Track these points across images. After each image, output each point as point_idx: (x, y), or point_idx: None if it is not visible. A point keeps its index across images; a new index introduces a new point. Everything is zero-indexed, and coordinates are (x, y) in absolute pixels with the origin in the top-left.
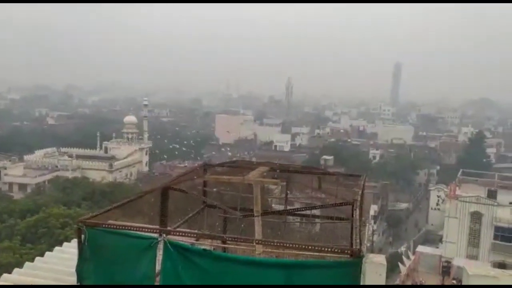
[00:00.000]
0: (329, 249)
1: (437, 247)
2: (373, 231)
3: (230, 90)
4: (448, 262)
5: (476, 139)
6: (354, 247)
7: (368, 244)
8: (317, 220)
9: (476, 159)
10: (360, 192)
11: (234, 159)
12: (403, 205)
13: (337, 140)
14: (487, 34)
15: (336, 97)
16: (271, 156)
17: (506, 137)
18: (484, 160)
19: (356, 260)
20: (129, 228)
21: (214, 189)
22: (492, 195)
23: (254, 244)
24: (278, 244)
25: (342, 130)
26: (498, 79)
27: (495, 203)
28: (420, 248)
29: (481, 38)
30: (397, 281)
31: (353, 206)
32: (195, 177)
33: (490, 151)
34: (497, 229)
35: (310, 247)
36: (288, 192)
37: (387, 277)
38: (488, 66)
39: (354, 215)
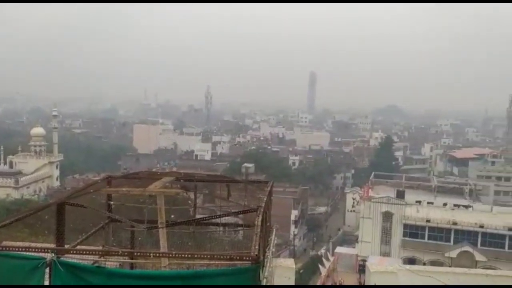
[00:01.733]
0: (229, 257)
1: (354, 247)
2: (294, 235)
3: (148, 99)
4: (364, 260)
5: (386, 144)
6: (253, 253)
7: (274, 250)
8: (223, 228)
9: (386, 162)
10: (265, 199)
11: (154, 169)
12: (322, 209)
13: (257, 148)
14: (394, 46)
15: (256, 106)
16: (192, 166)
17: (411, 140)
18: (393, 162)
19: (254, 266)
20: (15, 249)
21: (120, 203)
22: (400, 195)
23: (152, 256)
24: (176, 255)
25: (262, 138)
26: (403, 88)
27: (404, 203)
28: (339, 249)
29: (388, 50)
30: (318, 282)
31: (257, 212)
32: (91, 190)
33: (398, 154)
34: (406, 226)
35: (207, 256)
36: (197, 200)
37: (309, 280)
38: (395, 75)
39: (257, 222)
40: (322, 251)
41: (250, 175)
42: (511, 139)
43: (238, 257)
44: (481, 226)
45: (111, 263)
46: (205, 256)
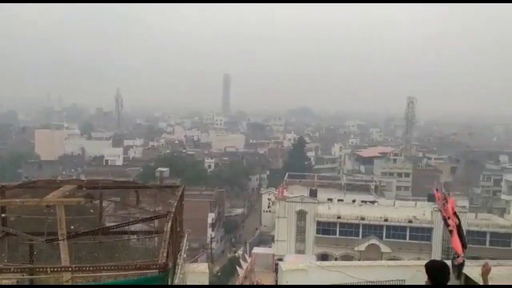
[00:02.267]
0: (135, 266)
1: (270, 247)
2: (212, 238)
3: (52, 102)
4: (280, 259)
5: (298, 144)
6: (160, 261)
7: (186, 255)
8: (133, 236)
9: (299, 162)
10: (175, 204)
11: (59, 177)
12: (239, 210)
13: (172, 151)
14: (303, 48)
15: (170, 108)
16: (102, 172)
17: (322, 141)
18: (306, 162)
19: (162, 274)
20: None
21: (17, 215)
22: (313, 194)
23: (49, 271)
24: (77, 268)
25: (177, 141)
26: (314, 90)
27: (316, 201)
28: (256, 250)
29: (297, 52)
30: (235, 283)
31: (166, 218)
32: None
33: (310, 154)
34: (319, 224)
35: (112, 267)
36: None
37: (227, 282)
38: (306, 77)
39: (165, 228)
40: (240, 252)
41: (165, 180)
42: (410, 138)
43: (145, 266)
44: (386, 220)
45: (7, 281)
46: (110, 267)
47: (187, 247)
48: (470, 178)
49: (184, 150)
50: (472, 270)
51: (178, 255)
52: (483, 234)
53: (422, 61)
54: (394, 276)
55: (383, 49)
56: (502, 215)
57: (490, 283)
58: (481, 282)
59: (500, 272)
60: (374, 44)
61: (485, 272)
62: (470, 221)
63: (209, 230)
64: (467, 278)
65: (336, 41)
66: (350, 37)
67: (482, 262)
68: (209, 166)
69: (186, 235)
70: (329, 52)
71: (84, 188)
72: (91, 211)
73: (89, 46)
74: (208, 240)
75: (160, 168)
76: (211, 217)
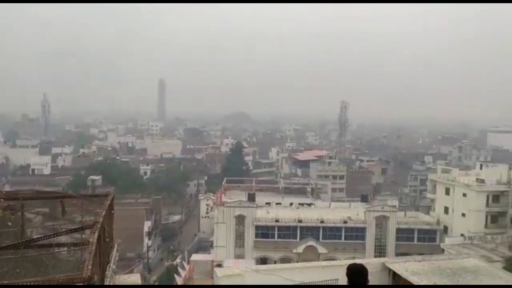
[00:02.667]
0: (58, 281)
1: (210, 253)
2: (148, 247)
3: None
4: (219, 265)
5: (236, 149)
6: (85, 274)
7: (115, 266)
8: (58, 249)
9: (237, 167)
10: (103, 213)
11: None
12: (176, 217)
13: (105, 159)
14: (239, 55)
15: (102, 114)
16: (28, 181)
17: (259, 145)
18: (244, 167)
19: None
20: None
21: None
22: (251, 198)
23: None
24: None
25: (110, 148)
26: (251, 95)
27: (255, 205)
28: (194, 257)
29: (233, 58)
30: None
31: (92, 229)
32: None
33: (248, 159)
34: (257, 228)
35: (31, 284)
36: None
37: None
38: (243, 82)
39: (91, 239)
40: (178, 260)
41: (97, 188)
42: (343, 142)
43: (69, 280)
44: (322, 221)
45: None
46: (29, 284)
47: (117, 258)
48: (399, 179)
49: (118, 157)
50: (400, 267)
51: (108, 267)
52: (412, 231)
53: (354, 66)
54: (328, 276)
55: (317, 56)
56: (428, 213)
57: (416, 278)
58: (408, 278)
59: (424, 267)
60: (307, 52)
61: None
62: (400, 219)
63: (146, 239)
64: (395, 274)
65: (270, 47)
66: (282, 45)
67: (410, 258)
68: (145, 173)
69: (116, 245)
70: (265, 59)
71: (2, 200)
72: (9, 223)
73: (13, 49)
74: (145, 249)
75: (92, 177)
76: (147, 225)
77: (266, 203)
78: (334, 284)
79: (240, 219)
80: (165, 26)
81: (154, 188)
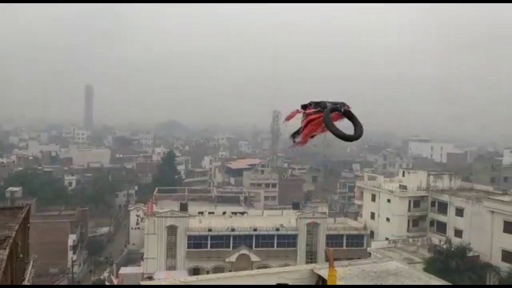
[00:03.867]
0: None
1: (140, 265)
2: (73, 262)
3: None
4: (150, 277)
5: (168, 158)
6: None
7: (31, 283)
8: None
9: (169, 176)
10: (16, 227)
11: None
12: (104, 229)
13: (25, 169)
14: (168, 62)
15: (23, 122)
16: None
17: (192, 154)
18: (176, 176)
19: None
20: None
21: None
22: (184, 207)
23: None
24: None
25: (31, 157)
26: (183, 103)
27: (187, 215)
28: (123, 270)
29: (163, 65)
30: None
31: (4, 245)
32: None
33: (180, 168)
34: (190, 238)
35: None
36: None
37: None
38: (176, 90)
39: (1, 256)
40: (106, 274)
41: (16, 200)
42: (275, 150)
43: None
44: (255, 230)
45: None
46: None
47: (32, 275)
48: (329, 186)
49: (40, 167)
50: (326, 272)
51: (22, 284)
52: (341, 236)
53: (285, 74)
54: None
55: (249, 66)
56: (356, 218)
57: (341, 283)
58: (331, 282)
59: (350, 271)
60: (242, 61)
61: (329, 255)
62: (329, 225)
63: (70, 253)
64: (322, 279)
65: (206, 55)
66: (219, 55)
67: (337, 263)
68: (70, 184)
69: (32, 261)
70: (198, 66)
71: None
72: None
73: None
74: (69, 264)
75: (11, 188)
76: (72, 238)
77: (199, 213)
78: None
79: (172, 230)
80: (96, 31)
81: (80, 199)
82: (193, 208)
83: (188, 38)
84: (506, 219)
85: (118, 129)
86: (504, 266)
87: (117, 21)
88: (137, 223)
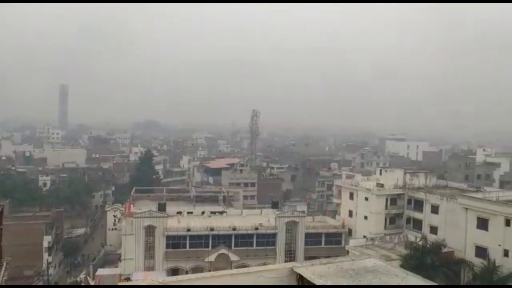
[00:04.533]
0: None
1: (117, 266)
2: (48, 264)
3: None
4: (128, 278)
5: (146, 158)
6: None
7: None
8: None
9: (147, 176)
10: None
11: None
12: (81, 231)
13: None
14: (147, 65)
15: None
16: None
17: (170, 154)
18: (154, 176)
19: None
20: None
21: None
22: (162, 207)
23: None
24: None
25: (4, 158)
26: (161, 102)
27: (165, 215)
28: (100, 271)
29: (143, 67)
30: None
31: None
32: None
33: (158, 167)
34: (168, 238)
35: None
36: None
37: None
38: (153, 90)
39: None
40: (82, 276)
41: None
42: (254, 149)
43: None
44: (234, 229)
45: None
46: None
47: (5, 277)
48: (308, 185)
49: (13, 167)
50: (307, 270)
51: None
52: (319, 235)
53: (265, 74)
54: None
55: (230, 64)
56: (334, 217)
57: (321, 282)
58: (314, 281)
59: (329, 269)
60: (222, 59)
61: None
62: (308, 224)
63: (45, 255)
64: (301, 277)
65: (183, 54)
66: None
67: (316, 261)
68: (45, 184)
69: (5, 263)
70: (176, 65)
71: None
72: None
73: None
74: (44, 265)
75: None
76: (47, 240)
77: (177, 213)
78: None
79: (150, 230)
80: (65, 30)
81: (55, 200)
82: (171, 208)
83: (163, 40)
84: (479, 215)
85: (94, 128)
86: (478, 262)
87: (95, 18)
88: (114, 224)
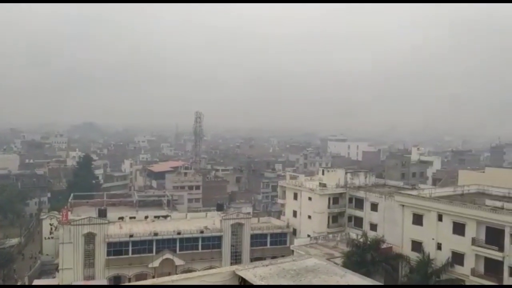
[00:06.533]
0: None
1: (54, 277)
2: None
3: None
4: None
5: (84, 163)
6: None
7: None
8: None
9: (86, 182)
10: None
11: None
12: (14, 240)
13: None
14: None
15: None
16: None
17: (111, 158)
18: (94, 181)
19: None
20: None
21: None
22: (102, 213)
23: None
24: None
25: None
26: (100, 104)
27: (106, 221)
28: (36, 282)
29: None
30: None
31: None
32: None
33: (98, 172)
34: (110, 245)
35: None
36: None
37: None
38: (90, 90)
39: None
40: None
41: None
42: (198, 152)
43: None
44: (179, 233)
45: None
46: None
47: None
48: (253, 186)
49: None
50: (249, 273)
51: None
52: (265, 236)
53: (208, 77)
54: None
55: (174, 66)
56: (279, 217)
57: (263, 283)
58: (256, 283)
59: (271, 270)
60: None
61: None
62: (254, 225)
63: None
64: (243, 280)
65: (122, 54)
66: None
67: (258, 263)
68: None
69: None
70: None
71: None
72: None
73: None
74: None
75: None
76: None
77: (119, 218)
78: None
79: (90, 237)
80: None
81: None
82: (112, 214)
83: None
84: (415, 211)
85: (27, 132)
86: (414, 255)
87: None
88: (51, 232)
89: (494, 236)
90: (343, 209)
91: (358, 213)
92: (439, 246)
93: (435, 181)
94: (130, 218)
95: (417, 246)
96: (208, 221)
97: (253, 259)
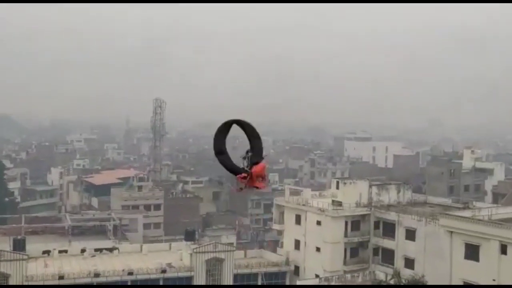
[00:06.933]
0: None
1: None
2: None
3: None
4: None
5: None
6: None
7: None
8: None
9: None
10: None
11: None
12: None
13: None
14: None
15: None
16: None
17: (32, 165)
18: (7, 199)
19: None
20: None
21: None
22: (19, 245)
23: None
24: None
25: None
26: (18, 92)
27: (25, 256)
28: None
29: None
30: None
31: None
32: None
33: (14, 186)
34: None
35: None
36: None
37: None
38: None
39: None
40: None
41: None
42: (159, 156)
43: None
44: (130, 273)
45: None
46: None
47: None
48: (237, 205)
49: None
50: None
51: None
52: (255, 276)
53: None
54: None
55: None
56: (274, 250)
57: None
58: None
59: None
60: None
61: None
62: (239, 261)
63: None
64: None
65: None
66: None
67: None
68: None
69: None
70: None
71: None
72: None
73: None
74: None
75: None
76: None
77: (44, 252)
78: None
79: (1, 279)
80: None
81: None
82: (34, 246)
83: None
84: (468, 240)
85: None
86: None
87: None
88: None
89: None
90: (366, 237)
91: (387, 243)
92: None
93: (497, 197)
94: (60, 252)
95: None
96: (173, 256)
97: None
